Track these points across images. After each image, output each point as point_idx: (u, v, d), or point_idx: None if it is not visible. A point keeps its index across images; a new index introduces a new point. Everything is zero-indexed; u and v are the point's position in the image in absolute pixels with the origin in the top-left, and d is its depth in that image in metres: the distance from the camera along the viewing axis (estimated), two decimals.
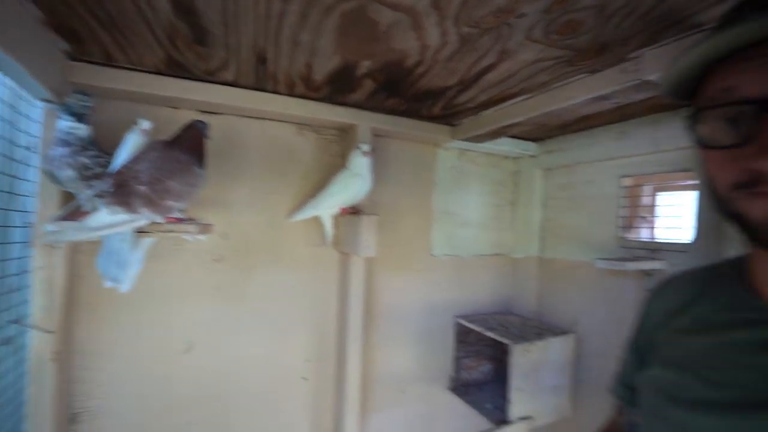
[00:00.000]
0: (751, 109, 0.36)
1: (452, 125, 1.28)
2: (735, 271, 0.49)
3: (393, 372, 1.36)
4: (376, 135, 1.24)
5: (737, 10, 0.41)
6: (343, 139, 1.23)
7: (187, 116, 1.01)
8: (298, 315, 1.21)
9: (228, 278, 1.12)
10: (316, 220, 1.18)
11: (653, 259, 1.13)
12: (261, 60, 0.85)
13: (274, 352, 1.18)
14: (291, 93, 1.05)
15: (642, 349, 0.58)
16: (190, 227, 0.74)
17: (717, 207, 0.42)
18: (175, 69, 0.89)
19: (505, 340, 1.22)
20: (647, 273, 1.15)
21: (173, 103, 1.01)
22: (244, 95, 1.00)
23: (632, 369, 0.59)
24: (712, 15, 0.61)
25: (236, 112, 1.08)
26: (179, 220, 0.74)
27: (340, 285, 1.24)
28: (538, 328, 1.36)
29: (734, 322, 0.44)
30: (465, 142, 1.32)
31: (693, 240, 1.04)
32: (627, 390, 0.61)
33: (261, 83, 0.99)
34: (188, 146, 0.78)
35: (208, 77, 0.94)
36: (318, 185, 1.16)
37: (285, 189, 1.18)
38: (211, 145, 1.04)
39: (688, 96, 0.44)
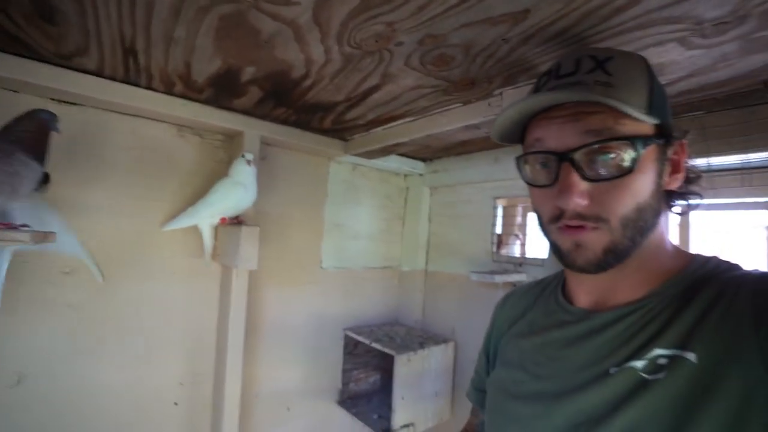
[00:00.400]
0: (553, 157, 0.44)
1: (344, 140, 1.30)
2: (557, 283, 0.58)
3: (278, 389, 1.30)
4: (266, 144, 1.20)
5: (544, 76, 0.50)
6: (230, 146, 1.17)
7: (35, 103, 0.86)
8: (171, 333, 1.10)
9: (83, 294, 0.97)
10: (196, 230, 1.09)
11: (518, 272, 1.27)
12: (130, 52, 0.77)
13: (139, 377, 1.05)
14: (170, 92, 0.96)
15: (490, 356, 0.65)
16: (20, 235, 0.62)
17: (542, 234, 0.50)
18: (14, 46, 0.75)
19: (389, 351, 1.26)
20: (513, 284, 1.30)
21: (11, 86, 0.85)
22: (109, 88, 0.89)
23: (483, 374, 0.66)
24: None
25: (101, 106, 0.96)
26: (4, 225, 0.62)
27: (220, 299, 1.16)
28: (422, 338, 1.44)
29: (553, 324, 0.53)
30: (357, 157, 1.35)
31: (547, 256, 1.20)
32: (479, 393, 0.67)
33: (133, 77, 0.89)
34: (20, 138, 0.66)
35: (62, 62, 0.82)
36: (200, 193, 1.07)
37: (160, 195, 1.07)
38: (65, 141, 0.91)
39: (517, 140, 0.52)
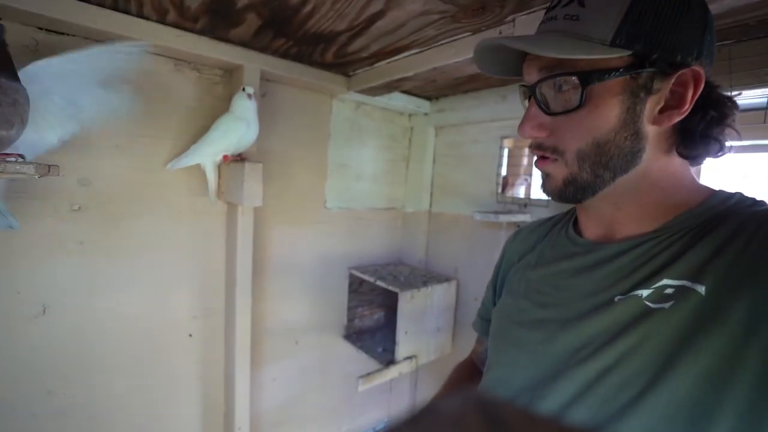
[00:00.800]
0: (527, 90, 0.47)
1: (347, 75, 1.25)
2: (569, 218, 0.58)
3: (286, 324, 1.37)
4: (267, 79, 1.16)
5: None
6: (229, 82, 1.13)
7: (20, 32, 0.83)
8: (182, 269, 1.13)
9: (94, 230, 0.98)
10: (200, 168, 1.08)
11: (522, 212, 1.28)
12: None
13: (154, 310, 1.10)
14: (162, 20, 0.91)
15: (497, 287, 0.67)
16: (24, 167, 0.61)
17: None
18: None
19: (393, 288, 1.30)
20: (517, 224, 1.30)
21: None
22: (97, 15, 0.84)
23: (489, 305, 0.68)
24: None
25: (91, 36, 0.91)
26: (5, 156, 0.61)
27: (227, 237, 1.18)
28: (425, 277, 1.48)
29: (562, 256, 0.53)
30: (361, 95, 1.31)
31: None
32: (485, 323, 0.69)
33: (122, 4, 0.84)
34: None
35: None
36: (201, 130, 1.05)
37: (160, 133, 1.05)
38: None
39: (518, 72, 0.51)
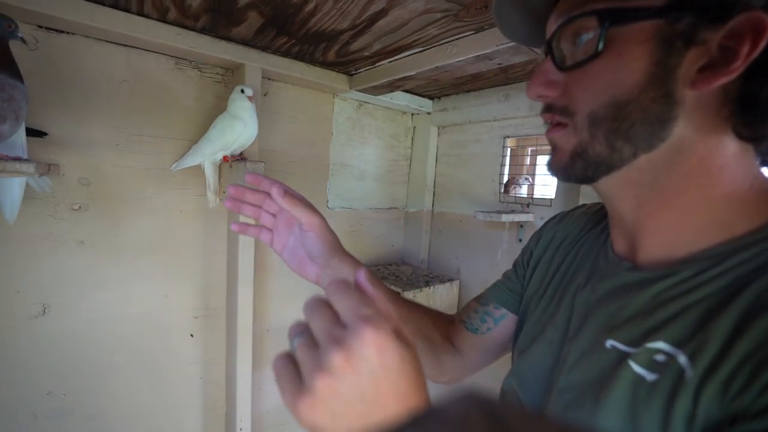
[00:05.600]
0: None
1: (349, 74, 1.24)
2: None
3: (287, 324, 1.32)
4: (269, 78, 1.16)
5: None
6: (231, 80, 1.12)
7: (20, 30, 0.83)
8: (183, 269, 1.13)
9: (94, 230, 0.98)
10: (200, 168, 1.08)
11: (525, 212, 1.27)
12: None
13: (155, 310, 1.09)
14: (163, 19, 0.91)
15: (521, 267, 0.56)
16: (25, 166, 0.61)
17: None
18: None
19: (395, 288, 1.29)
20: (520, 224, 1.30)
21: None
22: (97, 13, 0.83)
23: (516, 279, 0.57)
24: None
25: (92, 34, 0.91)
26: (4, 157, 0.61)
27: (229, 237, 1.18)
28: (427, 277, 1.47)
29: (592, 271, 0.43)
30: (363, 94, 1.30)
31: (555, 196, 1.19)
32: (505, 294, 0.57)
33: (122, 2, 0.83)
34: None
35: None
36: (202, 129, 1.04)
37: (161, 132, 1.04)
38: (56, 72, 0.88)
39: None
